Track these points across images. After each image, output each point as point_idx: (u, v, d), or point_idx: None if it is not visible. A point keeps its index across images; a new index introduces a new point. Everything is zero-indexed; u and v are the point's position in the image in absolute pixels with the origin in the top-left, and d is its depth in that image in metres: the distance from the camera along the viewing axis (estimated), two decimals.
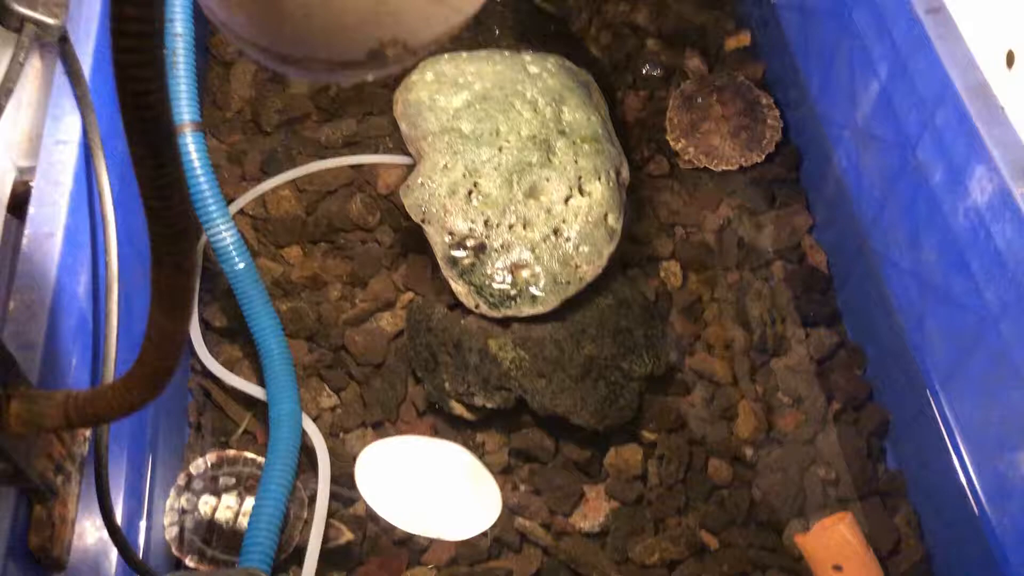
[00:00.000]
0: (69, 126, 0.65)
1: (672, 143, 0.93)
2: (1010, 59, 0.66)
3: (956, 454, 0.72)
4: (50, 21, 0.65)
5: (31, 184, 0.62)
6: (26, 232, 0.59)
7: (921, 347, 0.77)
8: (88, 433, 0.58)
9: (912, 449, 0.80)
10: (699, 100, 0.91)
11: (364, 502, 0.78)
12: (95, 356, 0.62)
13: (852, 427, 0.84)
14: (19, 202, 0.62)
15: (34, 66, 0.66)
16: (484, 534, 0.77)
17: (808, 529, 0.77)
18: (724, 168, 0.93)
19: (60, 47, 0.67)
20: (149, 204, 0.38)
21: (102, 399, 0.49)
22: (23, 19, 0.64)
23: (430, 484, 0.79)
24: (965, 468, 0.72)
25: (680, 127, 0.90)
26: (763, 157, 0.96)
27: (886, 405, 0.83)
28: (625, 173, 0.90)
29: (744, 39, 1.08)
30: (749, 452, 0.82)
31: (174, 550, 0.74)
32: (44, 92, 0.66)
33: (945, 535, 0.75)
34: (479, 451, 0.81)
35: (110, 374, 0.59)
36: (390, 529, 0.77)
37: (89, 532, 0.59)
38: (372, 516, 0.78)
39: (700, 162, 0.92)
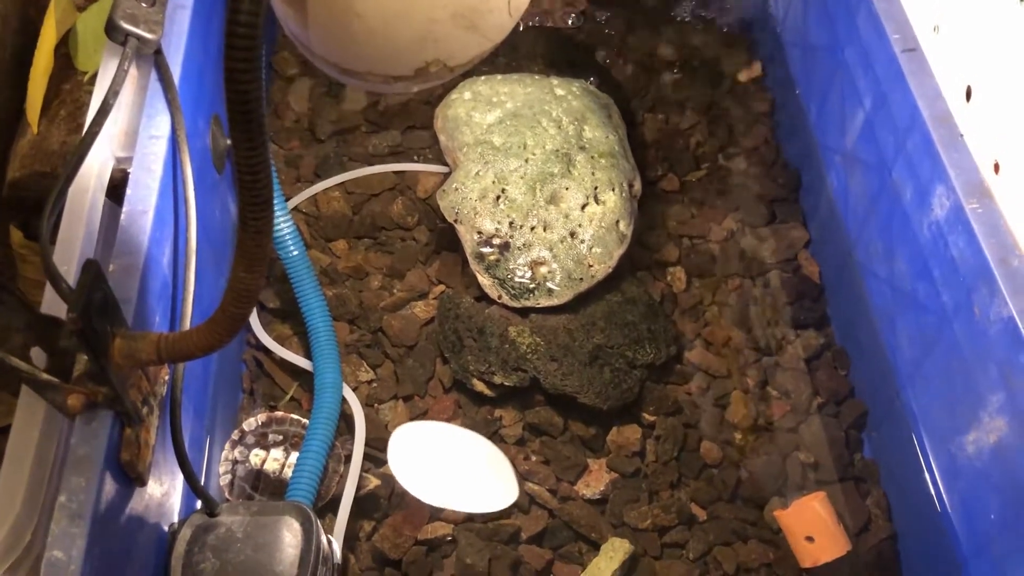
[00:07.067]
0: (160, 124, 0.76)
1: None
2: (968, 94, 0.76)
3: (918, 440, 0.81)
4: (149, 36, 0.77)
5: (128, 171, 0.74)
6: (124, 210, 0.71)
7: (893, 347, 0.86)
8: (167, 378, 0.69)
9: (885, 439, 0.89)
10: None
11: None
12: (172, 314, 0.73)
13: (833, 419, 0.93)
14: (117, 185, 0.74)
15: (133, 74, 0.78)
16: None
17: (786, 507, 0.87)
18: None
19: (155, 58, 0.79)
20: (243, 178, 0.49)
21: (188, 339, 0.59)
22: (127, 34, 0.76)
23: (454, 466, 0.89)
24: (925, 452, 0.80)
25: None
26: None
27: (865, 400, 0.92)
28: (637, 186, 1.01)
29: (756, 70, 1.19)
30: (738, 437, 0.92)
31: (226, 494, 0.85)
32: (140, 95, 0.78)
33: (910, 514, 0.84)
34: (497, 424, 0.91)
35: (187, 328, 0.70)
36: None
37: (163, 459, 0.70)
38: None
39: None
